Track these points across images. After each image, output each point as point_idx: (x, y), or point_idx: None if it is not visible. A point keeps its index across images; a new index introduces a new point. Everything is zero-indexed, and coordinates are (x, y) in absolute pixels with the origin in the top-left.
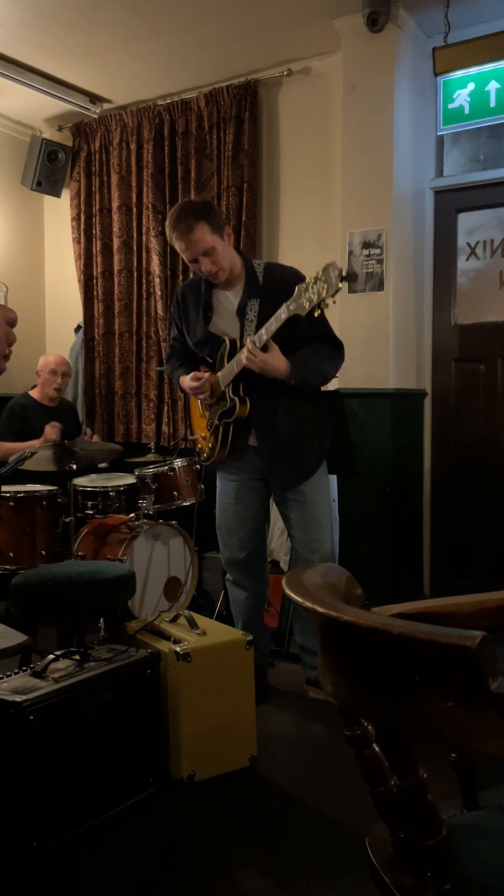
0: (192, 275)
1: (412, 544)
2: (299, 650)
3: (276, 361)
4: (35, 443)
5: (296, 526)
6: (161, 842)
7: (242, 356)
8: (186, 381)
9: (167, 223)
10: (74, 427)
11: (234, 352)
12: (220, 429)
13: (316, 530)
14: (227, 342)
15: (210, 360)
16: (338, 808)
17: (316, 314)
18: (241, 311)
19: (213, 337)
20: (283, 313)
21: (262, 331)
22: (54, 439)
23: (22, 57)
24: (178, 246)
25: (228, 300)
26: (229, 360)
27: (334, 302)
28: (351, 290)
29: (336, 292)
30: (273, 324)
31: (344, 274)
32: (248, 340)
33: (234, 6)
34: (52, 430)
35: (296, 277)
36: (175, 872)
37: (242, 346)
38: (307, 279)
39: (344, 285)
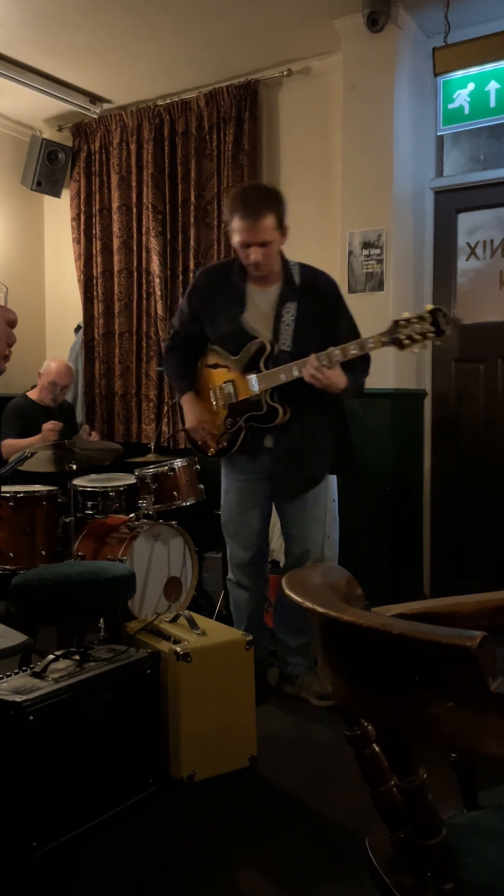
0: (216, 259)
1: (412, 544)
2: (275, 643)
3: (339, 379)
4: (35, 439)
5: (294, 523)
6: (161, 842)
7: (303, 371)
8: (191, 413)
9: (233, 196)
10: (71, 427)
11: (270, 356)
12: (244, 430)
13: (312, 529)
14: (268, 346)
15: (233, 355)
16: (338, 809)
17: (414, 352)
18: (277, 313)
19: (243, 333)
20: (371, 343)
21: (338, 351)
22: (53, 439)
23: (22, 57)
24: (237, 224)
25: (263, 298)
26: (266, 364)
27: (439, 343)
28: (351, 291)
29: (443, 337)
30: (355, 349)
31: (458, 323)
32: (312, 357)
33: (235, 6)
34: (51, 429)
35: (332, 286)
36: (175, 872)
37: (282, 350)
38: (407, 315)
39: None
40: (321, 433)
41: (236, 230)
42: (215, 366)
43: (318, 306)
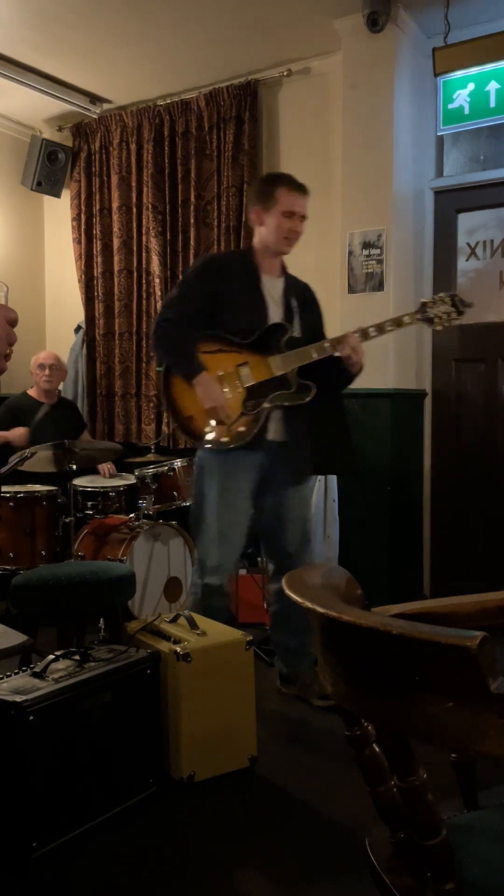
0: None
1: (412, 544)
2: (272, 644)
3: (363, 359)
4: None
5: (293, 525)
6: (161, 842)
7: (341, 347)
8: (213, 393)
9: (271, 175)
10: (76, 425)
11: (289, 339)
12: (268, 412)
13: (310, 529)
14: (289, 328)
15: (243, 339)
16: (338, 809)
17: (437, 329)
18: (287, 302)
19: (264, 315)
20: (407, 319)
21: (373, 328)
22: (11, 440)
23: (22, 57)
24: (285, 194)
25: (273, 286)
26: (288, 345)
27: (452, 324)
28: (351, 291)
29: (462, 317)
30: (391, 326)
31: (469, 302)
32: (350, 334)
33: (235, 6)
34: (18, 435)
35: (315, 294)
36: (175, 873)
37: (292, 337)
38: (431, 297)
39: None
40: (307, 427)
41: (282, 200)
42: (218, 351)
43: (311, 306)
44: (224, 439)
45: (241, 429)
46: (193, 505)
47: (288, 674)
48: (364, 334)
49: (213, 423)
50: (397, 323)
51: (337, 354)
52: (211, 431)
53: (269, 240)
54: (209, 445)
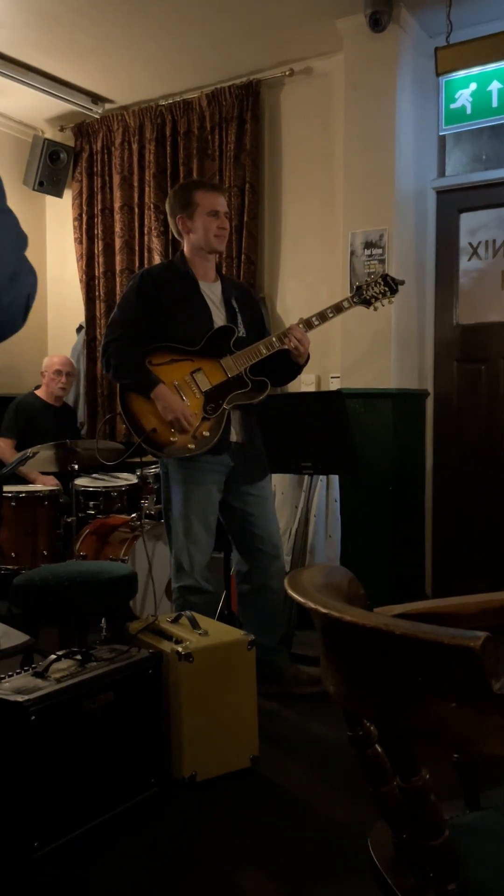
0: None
1: (414, 544)
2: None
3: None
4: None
5: (258, 522)
6: (162, 842)
7: (287, 340)
8: (174, 403)
9: (185, 183)
10: (72, 429)
11: (237, 339)
12: (227, 414)
13: (276, 526)
14: (236, 329)
15: (191, 346)
16: (340, 809)
17: (375, 310)
18: (228, 303)
19: (208, 320)
20: (346, 304)
21: (315, 318)
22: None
23: (24, 57)
24: (203, 196)
25: (212, 290)
26: (237, 345)
27: (391, 303)
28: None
29: (396, 294)
30: (332, 313)
31: (400, 279)
32: (294, 326)
33: (237, 6)
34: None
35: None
36: (176, 873)
37: (239, 337)
38: (362, 281)
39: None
40: (257, 424)
41: (203, 202)
42: (170, 361)
43: (249, 304)
44: (190, 446)
45: (206, 433)
46: (163, 511)
47: (268, 672)
48: (308, 325)
49: (176, 432)
50: (337, 309)
51: (284, 347)
52: (176, 441)
53: (200, 243)
54: (177, 455)
